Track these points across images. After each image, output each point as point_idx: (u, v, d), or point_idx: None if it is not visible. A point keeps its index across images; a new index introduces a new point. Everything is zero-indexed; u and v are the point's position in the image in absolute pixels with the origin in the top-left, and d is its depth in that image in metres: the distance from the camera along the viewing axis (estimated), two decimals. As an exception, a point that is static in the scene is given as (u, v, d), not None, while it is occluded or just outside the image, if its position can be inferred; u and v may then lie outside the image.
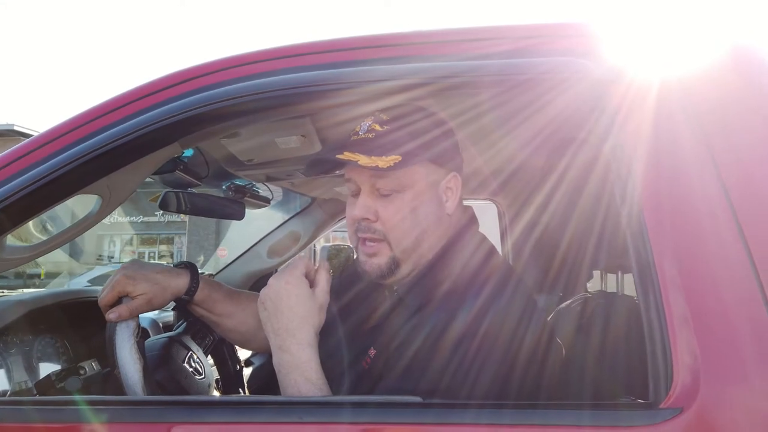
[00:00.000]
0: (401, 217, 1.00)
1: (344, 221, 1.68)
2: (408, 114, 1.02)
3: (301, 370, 0.95)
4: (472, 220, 1.09)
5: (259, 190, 2.09)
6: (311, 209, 2.39)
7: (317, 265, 1.05)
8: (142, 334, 1.12)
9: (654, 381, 0.73)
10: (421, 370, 0.89)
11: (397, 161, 0.96)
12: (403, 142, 0.98)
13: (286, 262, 2.49)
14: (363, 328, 1.10)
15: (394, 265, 1.01)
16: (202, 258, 17.73)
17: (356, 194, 1.04)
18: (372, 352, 1.01)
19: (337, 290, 1.13)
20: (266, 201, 2.17)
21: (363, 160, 0.96)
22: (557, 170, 1.20)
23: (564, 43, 0.87)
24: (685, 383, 0.71)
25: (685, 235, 0.76)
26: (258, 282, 2.31)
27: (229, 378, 1.68)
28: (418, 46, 0.92)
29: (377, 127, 1.00)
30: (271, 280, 1.01)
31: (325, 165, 1.05)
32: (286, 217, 2.45)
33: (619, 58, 0.85)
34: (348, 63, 0.91)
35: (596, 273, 1.36)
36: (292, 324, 0.97)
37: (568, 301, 1.31)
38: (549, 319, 1.27)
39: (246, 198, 2.04)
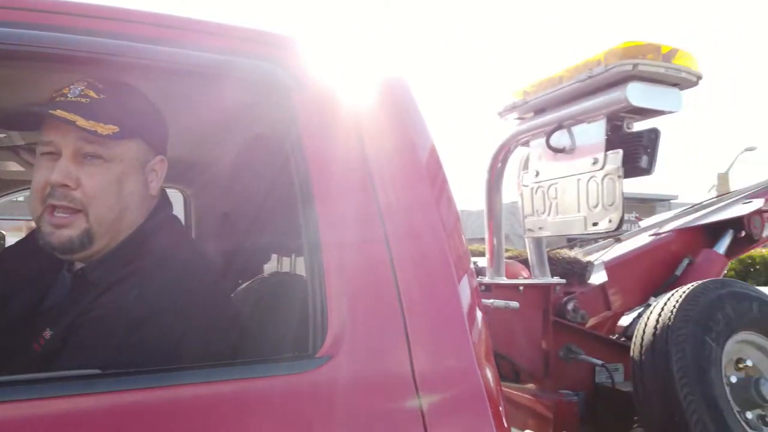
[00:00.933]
0: (106, 189, 0.96)
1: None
2: (125, 89, 1.00)
3: None
4: (167, 202, 1.10)
5: None
6: None
7: None
8: None
9: (313, 337, 0.88)
10: (104, 346, 0.87)
11: (115, 131, 0.94)
12: (122, 115, 0.96)
13: None
14: (32, 309, 1.02)
15: (87, 239, 0.95)
16: None
17: (51, 157, 0.95)
18: (47, 333, 0.94)
19: None
20: None
21: (81, 122, 0.91)
22: (239, 162, 1.31)
23: (263, 50, 0.98)
24: (334, 337, 0.87)
25: (345, 225, 0.94)
26: None
27: None
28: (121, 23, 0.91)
29: (92, 94, 0.96)
30: None
31: (21, 120, 0.98)
32: None
33: (308, 70, 0.98)
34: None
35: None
36: None
37: (247, 282, 1.43)
38: (232, 297, 1.36)
39: None
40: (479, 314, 1.03)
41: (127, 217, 1.00)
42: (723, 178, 17.17)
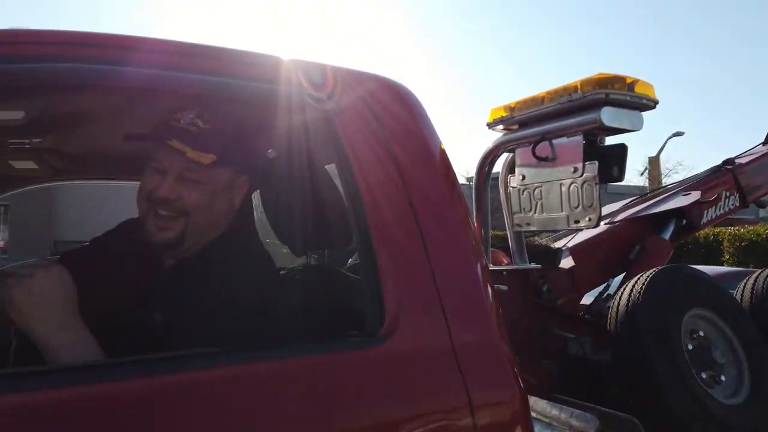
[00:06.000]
0: (200, 204, 1.13)
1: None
2: (226, 120, 1.16)
3: (82, 346, 0.99)
4: (249, 211, 1.29)
5: None
6: None
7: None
8: None
9: (371, 319, 1.03)
10: (204, 329, 1.01)
11: (213, 160, 1.11)
12: (220, 146, 1.13)
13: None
14: (126, 294, 1.15)
15: (181, 240, 1.14)
16: None
17: (158, 172, 1.12)
18: (156, 317, 1.09)
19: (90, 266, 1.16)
20: None
21: (189, 153, 1.09)
22: (290, 171, 1.46)
23: (309, 81, 1.09)
24: (390, 318, 1.00)
25: (387, 221, 1.07)
26: None
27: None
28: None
29: (200, 123, 1.11)
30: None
31: (140, 139, 1.14)
32: None
33: (346, 96, 1.12)
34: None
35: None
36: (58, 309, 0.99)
37: (284, 271, 1.59)
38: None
39: None
40: (492, 293, 1.16)
41: (213, 226, 1.18)
42: (654, 161, 17.61)
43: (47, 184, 2.11)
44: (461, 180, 19.32)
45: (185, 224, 1.13)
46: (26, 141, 1.56)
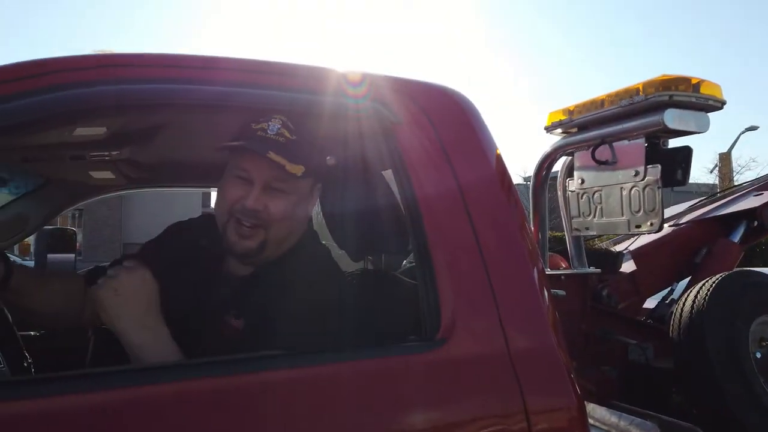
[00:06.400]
0: (284, 214, 1.15)
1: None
2: (309, 130, 1.17)
3: (163, 344, 1.04)
4: (311, 216, 1.33)
5: None
6: (45, 190, 2.15)
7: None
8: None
9: (428, 324, 1.04)
10: (285, 333, 1.06)
11: (302, 171, 1.13)
12: (307, 157, 1.14)
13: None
14: (206, 299, 1.20)
15: (262, 249, 1.15)
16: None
17: (243, 181, 1.13)
18: (235, 322, 1.13)
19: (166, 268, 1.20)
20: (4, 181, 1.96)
21: (288, 166, 1.10)
22: (349, 179, 1.50)
23: (375, 92, 1.13)
24: (446, 323, 1.02)
25: (443, 227, 1.09)
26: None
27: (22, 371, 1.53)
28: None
29: (287, 134, 1.12)
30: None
31: (235, 150, 1.14)
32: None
33: (404, 107, 1.14)
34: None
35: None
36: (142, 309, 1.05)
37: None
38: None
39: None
40: (548, 298, 1.15)
41: (293, 234, 1.21)
42: (725, 158, 16.75)
43: (120, 192, 2.26)
44: (518, 180, 18.96)
45: (266, 233, 1.14)
46: (106, 153, 1.68)
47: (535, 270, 1.15)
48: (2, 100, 0.90)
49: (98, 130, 1.40)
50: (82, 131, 1.40)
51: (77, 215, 22.76)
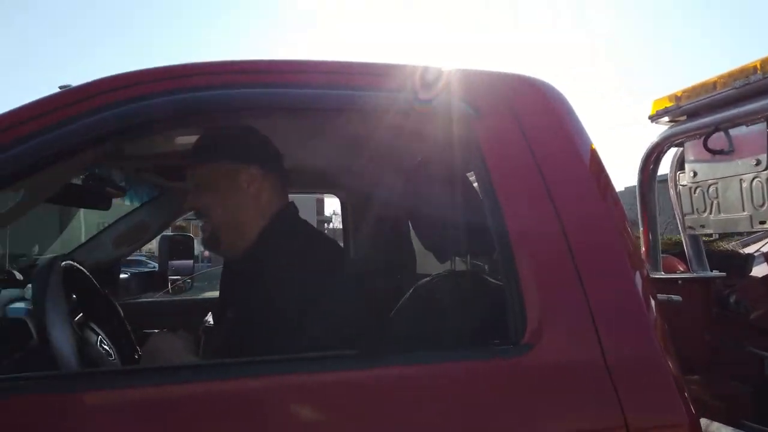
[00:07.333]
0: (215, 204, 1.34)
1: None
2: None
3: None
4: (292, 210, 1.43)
5: (116, 180, 2.08)
6: (160, 200, 2.35)
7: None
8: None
9: (513, 327, 0.99)
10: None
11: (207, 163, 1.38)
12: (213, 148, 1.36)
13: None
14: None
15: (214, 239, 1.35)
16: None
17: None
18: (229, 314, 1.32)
19: None
20: (122, 190, 2.14)
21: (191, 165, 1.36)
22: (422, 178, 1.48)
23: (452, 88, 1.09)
24: (532, 328, 0.97)
25: (528, 226, 1.03)
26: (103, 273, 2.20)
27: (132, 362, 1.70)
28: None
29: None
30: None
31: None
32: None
33: (483, 101, 1.10)
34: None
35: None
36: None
37: (428, 278, 1.62)
38: (413, 290, 1.53)
39: (106, 188, 2.01)
40: (654, 303, 1.06)
41: (241, 224, 1.34)
42: None
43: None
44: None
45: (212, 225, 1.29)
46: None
47: (638, 273, 1.07)
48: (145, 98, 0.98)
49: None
50: (186, 139, 1.50)
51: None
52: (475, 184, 1.21)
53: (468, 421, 0.93)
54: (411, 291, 1.38)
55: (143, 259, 14.25)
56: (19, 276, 1.88)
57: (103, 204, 2.07)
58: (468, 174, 1.36)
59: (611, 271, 1.04)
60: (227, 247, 1.30)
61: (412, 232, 1.48)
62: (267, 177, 1.30)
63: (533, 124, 1.10)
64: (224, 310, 1.40)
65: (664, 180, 2.20)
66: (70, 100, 0.95)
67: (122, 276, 2.51)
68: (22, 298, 1.57)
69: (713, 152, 1.79)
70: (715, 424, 1.71)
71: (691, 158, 2.00)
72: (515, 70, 1.22)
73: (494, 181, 1.05)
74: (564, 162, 1.09)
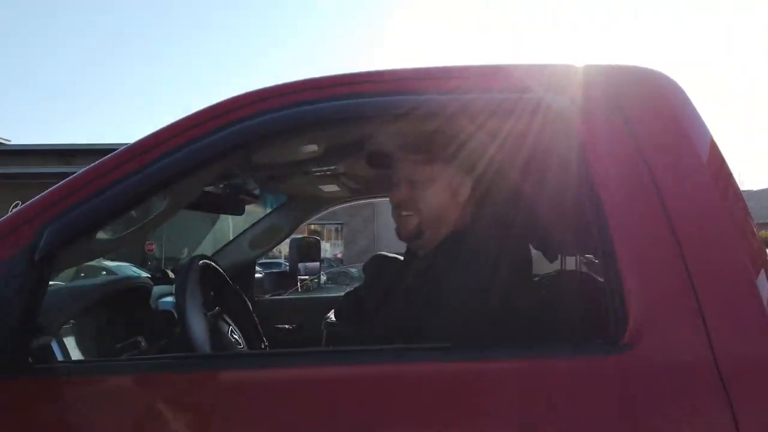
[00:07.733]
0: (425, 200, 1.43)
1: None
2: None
3: None
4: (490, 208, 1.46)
5: (251, 188, 2.23)
6: (288, 206, 2.54)
7: None
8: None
9: (614, 325, 0.97)
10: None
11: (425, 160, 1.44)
12: (432, 146, 1.42)
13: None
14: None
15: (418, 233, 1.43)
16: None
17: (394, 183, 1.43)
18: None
19: None
20: (255, 197, 2.33)
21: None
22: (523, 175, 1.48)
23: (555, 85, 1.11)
24: (635, 327, 0.95)
25: (632, 223, 1.01)
26: (240, 272, 2.44)
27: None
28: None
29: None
30: None
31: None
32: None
33: (585, 97, 1.09)
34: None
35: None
36: None
37: (539, 277, 1.61)
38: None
39: (241, 195, 2.19)
40: None
41: (441, 220, 1.41)
42: None
43: (346, 204, 2.54)
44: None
45: (419, 219, 1.37)
46: (326, 168, 1.92)
47: (761, 272, 1.00)
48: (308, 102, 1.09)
49: (311, 148, 1.62)
50: (310, 148, 1.64)
51: (339, 228, 26.06)
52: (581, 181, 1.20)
53: (553, 419, 0.94)
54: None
55: (282, 261, 15.35)
56: (171, 275, 2.17)
57: (237, 210, 2.30)
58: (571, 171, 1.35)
59: (727, 269, 0.99)
60: (427, 241, 1.38)
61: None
62: (465, 178, 1.41)
63: (640, 116, 1.07)
64: (383, 298, 1.46)
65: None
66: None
67: (257, 275, 2.75)
68: (171, 294, 1.83)
69: None
70: None
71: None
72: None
73: (594, 174, 1.05)
74: (675, 156, 1.05)
